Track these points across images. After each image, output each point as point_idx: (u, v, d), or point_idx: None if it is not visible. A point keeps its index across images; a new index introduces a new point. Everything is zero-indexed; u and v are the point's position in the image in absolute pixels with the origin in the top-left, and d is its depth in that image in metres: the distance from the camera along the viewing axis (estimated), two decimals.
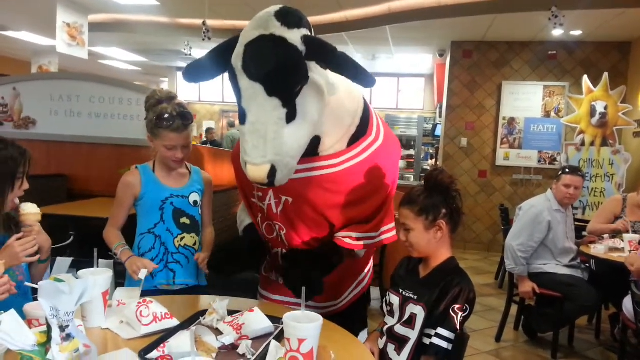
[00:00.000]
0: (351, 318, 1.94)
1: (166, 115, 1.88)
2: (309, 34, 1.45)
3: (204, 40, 5.85)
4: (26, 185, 1.64)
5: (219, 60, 1.47)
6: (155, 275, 1.93)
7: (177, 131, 1.90)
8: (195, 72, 1.51)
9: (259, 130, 1.37)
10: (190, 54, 7.56)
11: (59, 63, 8.56)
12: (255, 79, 1.36)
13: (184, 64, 10.84)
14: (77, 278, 1.40)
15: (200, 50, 8.51)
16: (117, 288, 1.60)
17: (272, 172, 1.36)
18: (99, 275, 1.44)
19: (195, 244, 2.03)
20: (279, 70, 1.36)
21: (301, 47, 1.39)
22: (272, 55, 1.36)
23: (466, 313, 1.51)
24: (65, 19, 5.94)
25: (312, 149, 1.55)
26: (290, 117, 1.39)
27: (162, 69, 11.46)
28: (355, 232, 1.72)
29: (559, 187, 3.35)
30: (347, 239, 1.72)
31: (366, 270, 2.03)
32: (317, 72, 1.45)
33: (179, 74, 11.55)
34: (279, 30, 1.38)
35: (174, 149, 1.93)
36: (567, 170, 3.39)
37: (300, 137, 1.44)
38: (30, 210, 1.59)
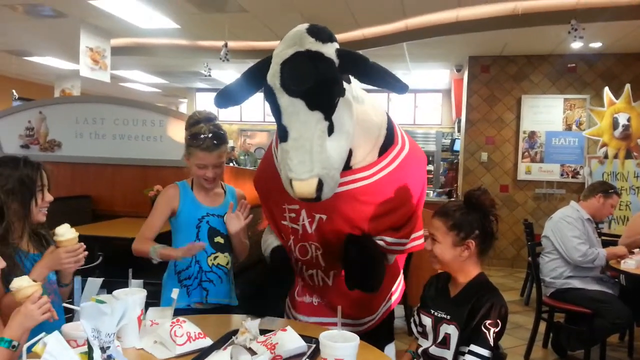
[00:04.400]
0: (379, 332, 1.92)
1: (200, 135, 1.92)
2: (340, 46, 1.48)
3: (223, 61, 5.94)
4: (49, 197, 1.68)
5: (252, 83, 1.51)
6: (191, 293, 1.96)
7: (208, 150, 1.93)
8: (227, 96, 1.55)
9: (304, 145, 1.37)
10: (209, 75, 7.68)
11: (81, 86, 8.76)
12: (296, 95, 1.38)
13: (203, 85, 11.01)
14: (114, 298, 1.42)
15: (219, 72, 8.66)
16: (150, 308, 1.60)
17: (320, 186, 1.37)
18: (135, 296, 1.45)
19: (227, 263, 2.05)
20: (320, 84, 1.38)
21: (336, 61, 1.42)
22: (311, 70, 1.38)
23: (499, 329, 1.48)
24: (88, 43, 6.09)
25: (345, 163, 1.55)
26: (330, 130, 1.41)
27: (182, 90, 11.64)
28: (389, 237, 1.71)
29: (606, 206, 3.37)
30: (381, 241, 1.71)
31: (397, 283, 2.01)
32: (345, 86, 1.47)
33: (198, 95, 11.73)
34: (314, 45, 1.41)
35: (204, 168, 1.96)
36: (616, 190, 3.45)
37: (341, 149, 1.45)
38: (68, 236, 1.58)
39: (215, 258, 2.01)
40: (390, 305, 1.96)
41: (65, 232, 1.60)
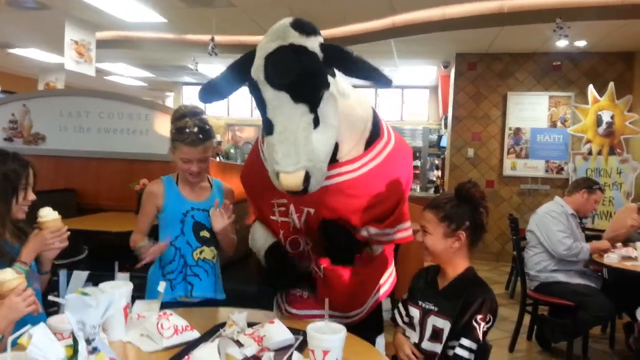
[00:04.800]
0: (368, 324, 1.92)
1: (185, 130, 1.90)
2: (323, 41, 1.48)
3: (210, 55, 5.90)
4: (32, 196, 1.67)
5: (236, 77, 1.50)
6: (175, 287, 1.95)
7: (192, 145, 1.91)
8: (211, 90, 1.55)
9: (289, 138, 1.37)
10: (196, 70, 7.63)
11: (65, 79, 8.64)
12: (280, 88, 1.38)
13: (190, 79, 10.93)
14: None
15: (206, 66, 8.59)
16: (136, 301, 1.60)
17: (307, 178, 1.37)
18: (121, 288, 1.45)
19: (214, 257, 2.04)
20: (303, 77, 1.39)
21: (320, 54, 1.42)
22: (294, 63, 1.39)
23: (489, 324, 1.50)
24: (73, 36, 6.01)
25: (332, 156, 1.56)
26: (316, 123, 1.42)
27: (169, 84, 11.54)
28: (373, 228, 1.71)
29: (590, 201, 3.43)
30: (365, 232, 1.71)
31: (386, 275, 2.02)
32: (330, 80, 1.48)
33: (185, 89, 11.64)
34: (297, 39, 1.41)
35: (189, 163, 1.94)
36: (599, 187, 3.51)
37: (327, 142, 1.46)
38: (49, 217, 1.62)
39: (201, 252, 2.00)
40: (378, 297, 1.97)
41: (48, 214, 1.63)
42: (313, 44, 1.43)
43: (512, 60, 6.74)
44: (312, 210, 1.68)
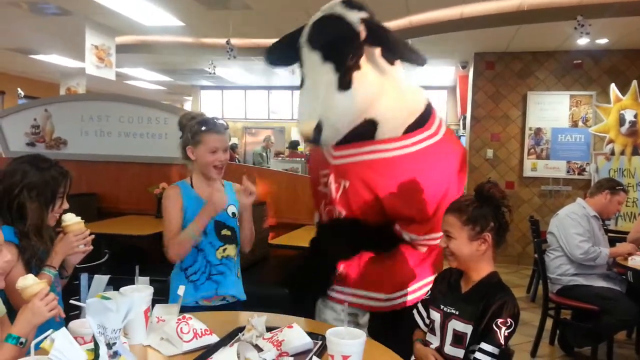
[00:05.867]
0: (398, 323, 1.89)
1: (209, 120, 1.98)
2: (370, 17, 1.66)
3: (229, 59, 5.94)
4: (66, 205, 1.72)
5: (289, 43, 1.72)
6: (199, 288, 1.97)
7: (219, 132, 1.98)
8: (275, 54, 1.84)
9: (311, 91, 1.60)
10: (214, 73, 7.68)
11: (86, 84, 8.78)
12: (314, 47, 1.61)
13: (208, 83, 11.02)
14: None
15: (224, 69, 8.66)
16: (156, 305, 1.60)
17: (319, 128, 1.56)
18: (142, 292, 1.45)
19: (235, 254, 2.09)
20: (335, 39, 1.60)
21: (358, 26, 1.61)
22: (330, 28, 1.62)
23: (511, 329, 1.47)
24: (94, 41, 6.10)
25: (370, 134, 1.73)
26: (344, 85, 1.60)
27: (187, 88, 11.65)
28: (414, 235, 1.78)
29: (613, 202, 3.36)
30: (407, 237, 1.77)
31: (420, 283, 1.95)
32: (375, 61, 1.68)
33: (203, 92, 11.73)
34: (340, 10, 1.64)
35: (217, 152, 1.97)
36: (623, 187, 3.44)
37: (350, 107, 1.63)
38: (72, 220, 1.66)
39: (224, 250, 2.04)
40: (405, 298, 1.92)
41: (72, 218, 1.67)
42: (353, 16, 1.62)
43: (532, 59, 6.64)
44: (347, 183, 1.77)
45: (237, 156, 10.24)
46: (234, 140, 11.51)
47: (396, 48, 1.66)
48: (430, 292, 1.73)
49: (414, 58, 1.64)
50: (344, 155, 1.80)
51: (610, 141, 5.55)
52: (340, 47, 1.59)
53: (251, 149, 10.91)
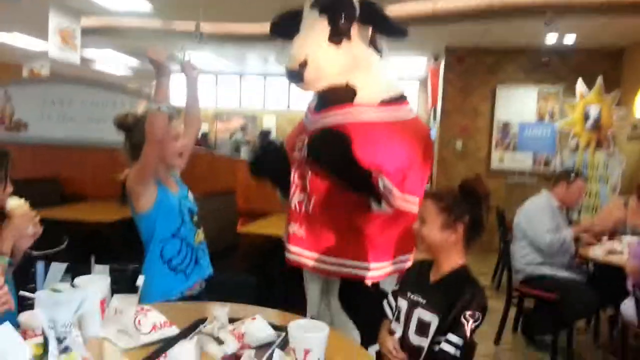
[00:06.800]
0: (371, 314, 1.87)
1: (159, 108, 1.83)
2: None
3: (199, 43, 5.81)
4: (10, 188, 1.63)
5: (293, 12, 1.92)
6: (189, 276, 1.99)
7: (176, 119, 1.98)
8: (280, 25, 2.00)
9: (304, 37, 1.79)
10: (188, 59, 7.50)
11: (51, 67, 8.48)
12: (314, 6, 1.83)
13: (177, 67, 10.76)
14: (73, 286, 1.37)
15: (193, 53, 8.46)
16: (114, 295, 1.55)
17: (304, 64, 1.72)
18: (97, 283, 1.40)
19: (203, 237, 2.12)
20: (332, 1, 1.82)
21: (355, 1, 1.83)
22: None
23: (478, 322, 1.48)
24: (58, 23, 5.88)
25: (348, 99, 1.87)
26: (334, 40, 1.79)
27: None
28: (387, 180, 1.78)
29: (572, 191, 3.41)
30: (380, 181, 1.77)
31: (391, 258, 1.93)
32: (365, 41, 1.89)
33: (172, 77, 11.46)
34: None
35: (179, 139, 1.98)
36: (579, 174, 3.49)
37: (336, 60, 1.80)
38: (16, 204, 1.61)
39: (198, 235, 2.07)
40: (369, 272, 1.89)
41: (16, 202, 1.62)
42: None
43: (502, 54, 6.73)
44: None
45: (211, 144, 10.01)
46: (204, 127, 11.33)
47: (386, 25, 1.87)
48: (400, 282, 1.73)
49: (400, 31, 1.87)
50: (322, 118, 1.92)
51: (575, 135, 5.67)
52: (336, 5, 1.81)
53: (222, 136, 10.75)
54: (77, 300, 1.04)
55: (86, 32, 6.44)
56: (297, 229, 1.96)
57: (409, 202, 1.85)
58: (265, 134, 9.21)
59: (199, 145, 8.35)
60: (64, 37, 6.05)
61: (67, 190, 4.44)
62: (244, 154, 8.44)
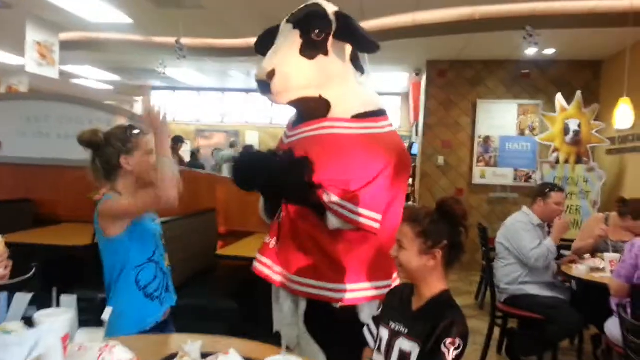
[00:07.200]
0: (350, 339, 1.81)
1: (135, 126, 1.94)
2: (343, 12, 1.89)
3: (178, 59, 5.75)
4: None
5: (273, 30, 1.94)
6: (163, 301, 1.96)
7: (148, 134, 1.92)
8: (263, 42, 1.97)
9: (276, 49, 1.81)
10: (164, 73, 7.44)
11: (29, 82, 8.33)
12: (289, 21, 1.87)
13: (159, 83, 10.70)
14: (33, 321, 1.29)
15: (175, 69, 8.40)
16: (80, 329, 1.46)
17: (272, 74, 1.74)
18: (57, 318, 1.31)
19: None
20: (306, 14, 1.85)
21: (332, 15, 1.85)
22: (304, 8, 1.89)
23: (459, 350, 1.42)
24: (35, 37, 5.77)
25: (322, 114, 1.89)
26: (308, 54, 1.81)
27: (137, 88, 11.27)
28: (335, 196, 1.77)
29: (549, 205, 3.38)
30: (327, 196, 1.76)
31: (366, 282, 1.88)
32: (343, 57, 1.91)
33: (154, 93, 11.39)
34: (319, 1, 1.91)
35: (152, 153, 1.91)
36: (555, 188, 3.44)
37: (306, 72, 1.81)
38: None
39: (166, 259, 2.04)
40: (336, 293, 1.83)
41: None
42: (329, 8, 1.88)
43: (483, 67, 6.78)
44: None
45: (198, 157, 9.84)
46: (187, 144, 11.20)
47: (359, 38, 1.85)
48: (381, 308, 1.67)
49: (372, 45, 1.85)
50: (297, 133, 1.94)
51: (555, 150, 5.71)
52: (309, 19, 1.83)
53: (205, 152, 10.64)
54: (31, 340, 0.97)
55: (65, 46, 6.35)
56: (272, 241, 1.94)
57: (368, 218, 1.80)
58: (248, 149, 9.13)
59: (182, 164, 8.24)
60: (41, 52, 5.94)
61: (40, 211, 4.31)
62: (227, 171, 8.35)
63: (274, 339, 1.87)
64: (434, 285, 1.53)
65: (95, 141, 1.95)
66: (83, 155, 4.32)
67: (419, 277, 1.54)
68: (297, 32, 1.81)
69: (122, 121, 4.01)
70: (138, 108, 11.51)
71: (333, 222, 1.80)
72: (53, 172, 4.32)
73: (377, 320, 1.66)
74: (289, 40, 1.80)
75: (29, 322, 1.40)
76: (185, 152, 9.64)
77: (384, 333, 1.57)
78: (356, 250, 1.86)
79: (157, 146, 1.84)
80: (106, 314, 1.47)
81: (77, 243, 3.30)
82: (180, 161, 8.15)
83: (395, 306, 1.62)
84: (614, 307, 2.73)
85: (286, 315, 1.95)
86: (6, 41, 6.76)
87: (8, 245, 1.62)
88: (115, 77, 9.91)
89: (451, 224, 1.51)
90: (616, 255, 3.15)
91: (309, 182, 1.77)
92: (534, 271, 3.29)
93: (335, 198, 1.74)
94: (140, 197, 1.86)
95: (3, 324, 1.22)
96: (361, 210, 1.78)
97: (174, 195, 1.78)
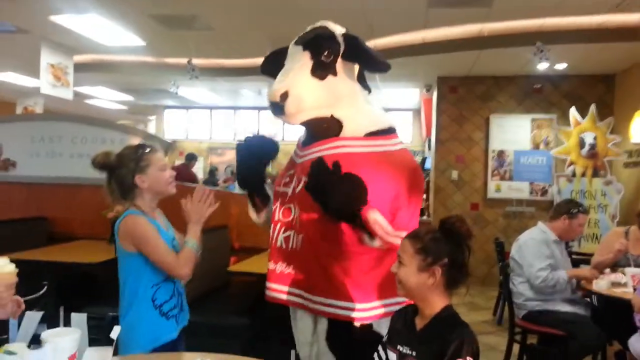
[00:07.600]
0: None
1: (148, 143, 2.01)
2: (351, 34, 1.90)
3: (190, 79, 5.81)
4: None
5: (283, 52, 1.93)
6: (179, 320, 1.96)
7: (160, 150, 2.01)
8: (270, 61, 2.00)
9: (287, 70, 1.81)
10: (177, 93, 7.52)
11: (44, 104, 8.47)
12: (298, 43, 1.86)
13: (171, 102, 10.82)
14: (40, 341, 1.27)
15: (187, 89, 8.50)
16: (88, 348, 1.44)
17: (285, 96, 1.73)
18: (63, 338, 1.29)
19: None
20: (315, 36, 1.85)
21: (340, 37, 1.85)
22: (313, 30, 1.89)
23: None
24: (50, 59, 5.87)
25: (335, 133, 1.88)
26: (318, 75, 1.81)
27: (150, 108, 11.41)
28: (382, 218, 1.72)
29: (573, 226, 3.30)
30: (372, 217, 1.70)
31: (373, 304, 1.83)
32: (352, 77, 1.91)
33: (167, 112, 11.52)
34: (326, 24, 1.91)
35: (166, 168, 1.98)
36: (582, 209, 3.36)
37: (318, 93, 1.81)
38: (6, 270, 1.42)
39: None
40: (355, 312, 1.79)
41: (4, 265, 1.42)
42: (337, 30, 1.88)
43: (494, 83, 6.75)
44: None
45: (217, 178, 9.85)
46: (199, 161, 11.27)
47: (369, 59, 1.85)
48: (387, 332, 1.62)
49: (383, 65, 1.85)
50: (309, 152, 1.92)
51: (572, 163, 5.63)
52: (319, 41, 1.83)
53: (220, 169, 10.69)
54: None
55: (79, 68, 6.45)
56: (279, 266, 1.92)
57: (400, 238, 1.76)
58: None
59: (195, 181, 8.24)
60: (55, 74, 6.04)
61: (55, 229, 4.33)
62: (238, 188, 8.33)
63: (287, 357, 1.83)
64: (435, 304, 1.48)
65: (108, 163, 1.97)
66: (95, 173, 4.37)
67: (419, 295, 1.49)
68: (307, 54, 1.82)
69: (136, 141, 4.04)
70: (152, 127, 11.65)
71: (374, 242, 1.75)
72: (67, 190, 4.36)
73: (385, 345, 1.61)
74: (300, 62, 1.81)
75: (38, 340, 1.38)
76: (197, 169, 9.70)
77: (392, 357, 1.52)
78: (377, 268, 1.83)
79: (189, 230, 1.92)
80: (114, 333, 1.44)
81: (90, 260, 3.29)
82: (193, 179, 8.16)
83: (399, 328, 1.57)
84: (638, 324, 2.64)
85: (306, 334, 1.93)
86: (22, 64, 6.90)
87: (21, 263, 1.59)
88: (128, 97, 10.04)
89: (453, 243, 1.47)
90: (638, 270, 3.06)
91: (363, 202, 1.70)
92: (543, 291, 3.20)
93: (380, 219, 1.71)
94: (161, 250, 1.87)
95: (6, 345, 1.19)
96: (398, 232, 1.73)
97: (187, 272, 1.88)
